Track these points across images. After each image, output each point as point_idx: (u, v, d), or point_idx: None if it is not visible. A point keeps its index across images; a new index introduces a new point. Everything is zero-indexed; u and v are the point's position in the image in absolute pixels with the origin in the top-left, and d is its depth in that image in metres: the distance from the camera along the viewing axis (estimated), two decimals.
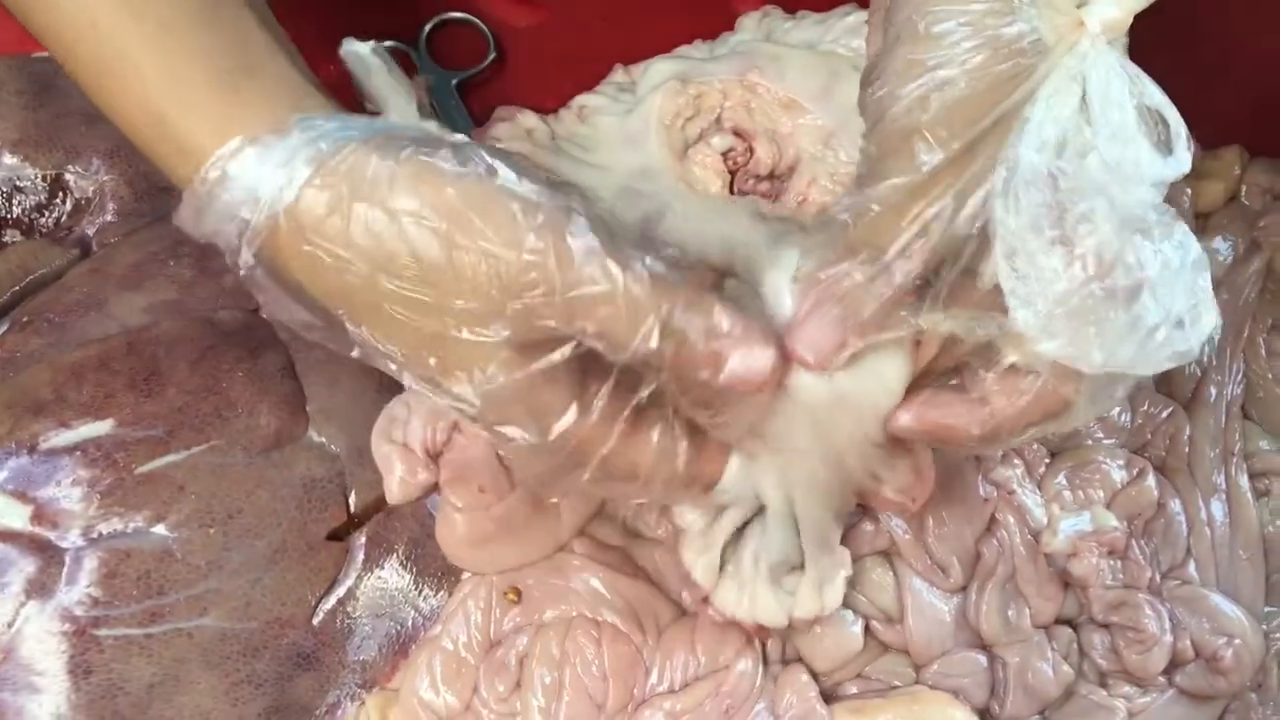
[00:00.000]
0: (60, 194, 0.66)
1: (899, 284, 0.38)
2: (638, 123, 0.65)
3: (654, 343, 0.38)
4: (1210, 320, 0.38)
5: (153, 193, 0.67)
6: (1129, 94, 0.37)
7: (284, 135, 0.38)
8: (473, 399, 0.40)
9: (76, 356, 0.59)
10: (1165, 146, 0.38)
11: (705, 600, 0.52)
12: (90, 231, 0.66)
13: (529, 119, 0.68)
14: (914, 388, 0.42)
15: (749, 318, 0.40)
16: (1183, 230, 0.38)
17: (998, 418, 0.41)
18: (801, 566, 0.50)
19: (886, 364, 0.41)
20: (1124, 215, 0.37)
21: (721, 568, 0.51)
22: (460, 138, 0.41)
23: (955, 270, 0.38)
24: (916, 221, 0.37)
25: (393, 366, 0.42)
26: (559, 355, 0.39)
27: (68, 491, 0.56)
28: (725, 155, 0.65)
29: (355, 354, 0.42)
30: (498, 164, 0.39)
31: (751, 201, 0.63)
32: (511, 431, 0.41)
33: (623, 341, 0.39)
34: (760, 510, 0.48)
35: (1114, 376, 0.39)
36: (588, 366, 0.40)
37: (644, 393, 0.40)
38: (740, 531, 0.50)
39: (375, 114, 0.43)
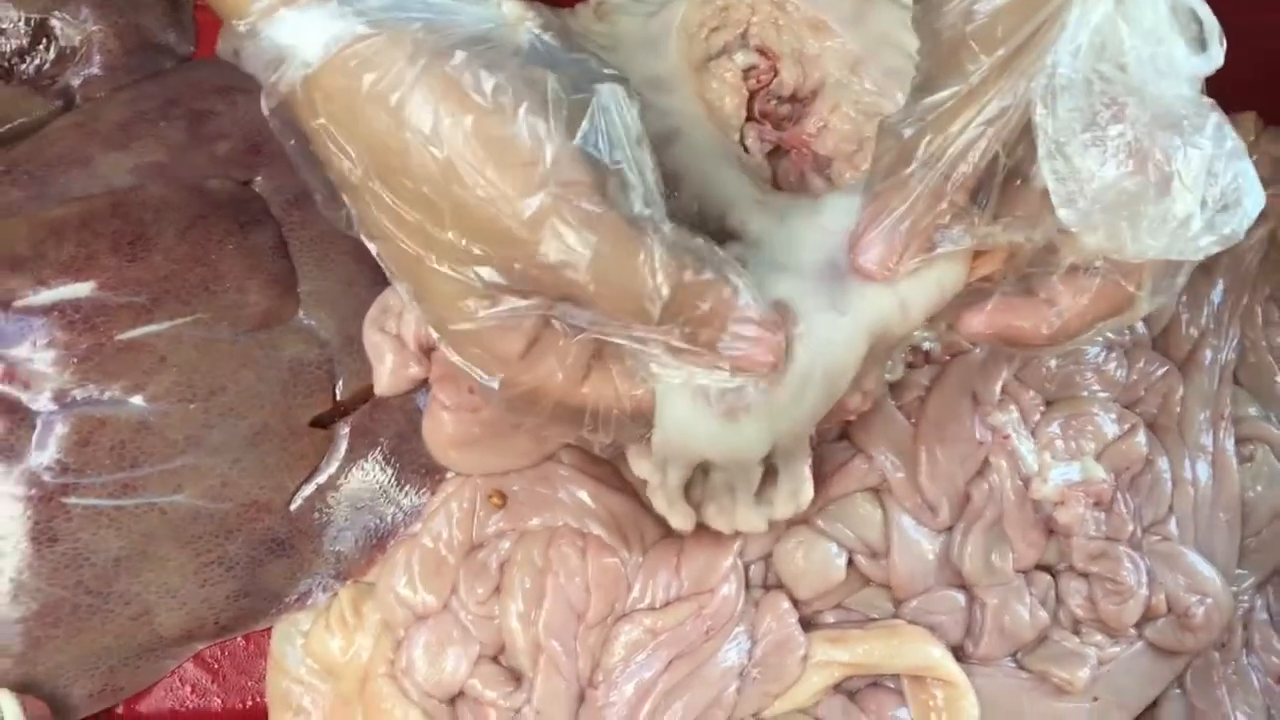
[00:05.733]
0: (44, 40, 0.62)
1: (954, 189, 0.39)
2: (658, 28, 0.62)
3: (656, 317, 0.38)
4: (1252, 203, 0.39)
5: (144, 48, 0.64)
6: None
7: (323, 2, 0.36)
8: (434, 323, 0.40)
9: (58, 213, 0.56)
10: (1198, 44, 0.39)
11: None
12: (74, 83, 0.63)
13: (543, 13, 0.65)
14: (983, 297, 0.43)
15: (759, 302, 0.40)
16: (1216, 121, 0.39)
17: (1065, 316, 0.42)
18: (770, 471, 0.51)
19: (938, 273, 0.42)
20: (1156, 112, 0.38)
21: (696, 499, 0.51)
22: (526, 38, 0.39)
23: (1002, 174, 0.39)
24: (969, 128, 0.38)
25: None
26: (526, 308, 0.38)
27: (42, 353, 0.54)
28: (746, 73, 0.63)
29: (349, 231, 0.41)
30: (545, 95, 0.37)
31: (761, 166, 0.62)
32: (466, 368, 0.40)
33: (623, 314, 0.38)
34: None
35: (1172, 265, 0.41)
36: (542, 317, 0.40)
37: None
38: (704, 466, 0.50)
39: None
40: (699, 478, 0.50)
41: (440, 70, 0.36)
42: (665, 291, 0.37)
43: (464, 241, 0.37)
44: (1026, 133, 0.38)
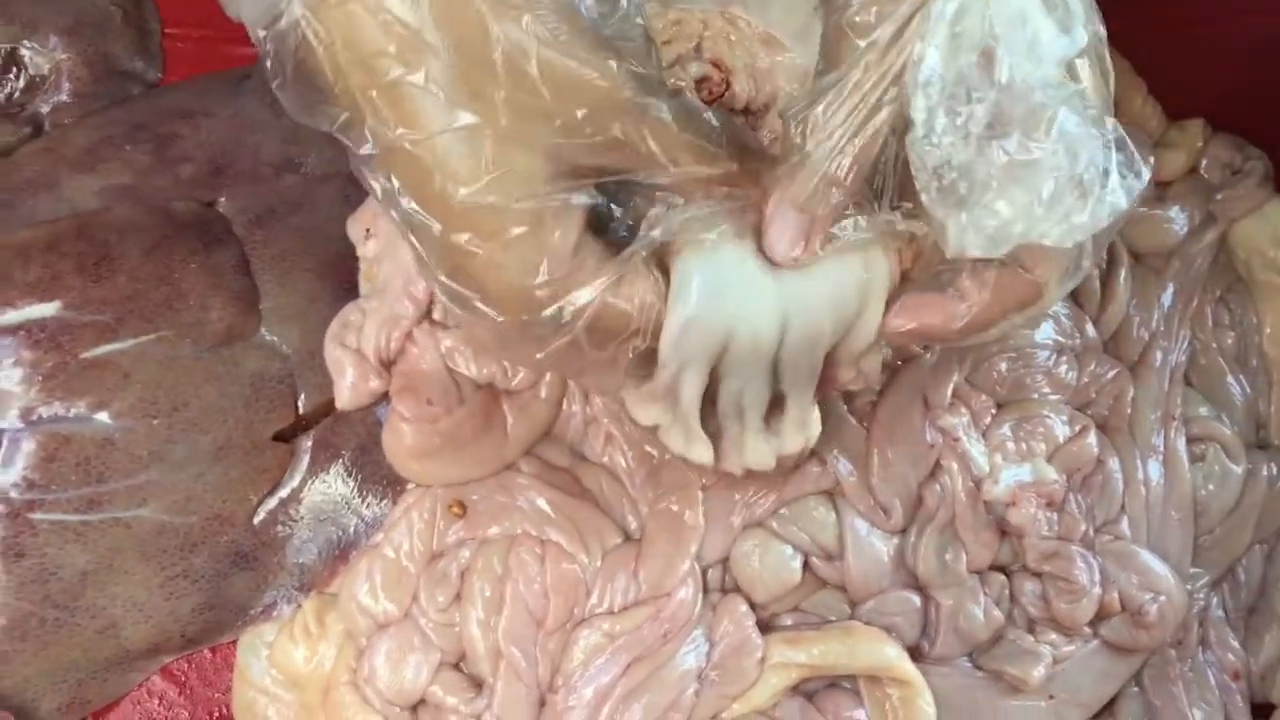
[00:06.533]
0: (14, 69, 0.64)
1: (846, 176, 0.39)
2: None
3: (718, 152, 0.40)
4: (1123, 190, 0.39)
5: (112, 75, 0.65)
6: None
7: None
8: (480, 222, 0.39)
9: (24, 236, 0.58)
10: (1065, 28, 0.39)
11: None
12: (44, 110, 0.64)
13: None
14: (895, 295, 0.44)
15: None
16: (1064, 112, 0.39)
17: (974, 309, 0.43)
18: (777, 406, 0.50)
19: (864, 260, 0.43)
20: (1006, 102, 0.38)
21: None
22: None
23: (897, 162, 0.40)
24: (855, 115, 0.39)
25: (390, 186, 0.40)
26: (586, 186, 0.40)
27: (9, 372, 0.55)
28: (699, 83, 0.64)
29: (365, 150, 0.40)
30: None
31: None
32: (511, 265, 0.40)
33: (686, 157, 0.40)
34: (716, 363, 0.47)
35: (1075, 254, 0.42)
36: (591, 213, 0.41)
37: (650, 238, 0.41)
38: (711, 398, 0.49)
39: None
40: (708, 411, 0.49)
41: None
42: (716, 120, 0.40)
43: (552, 103, 0.38)
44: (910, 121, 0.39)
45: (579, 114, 0.38)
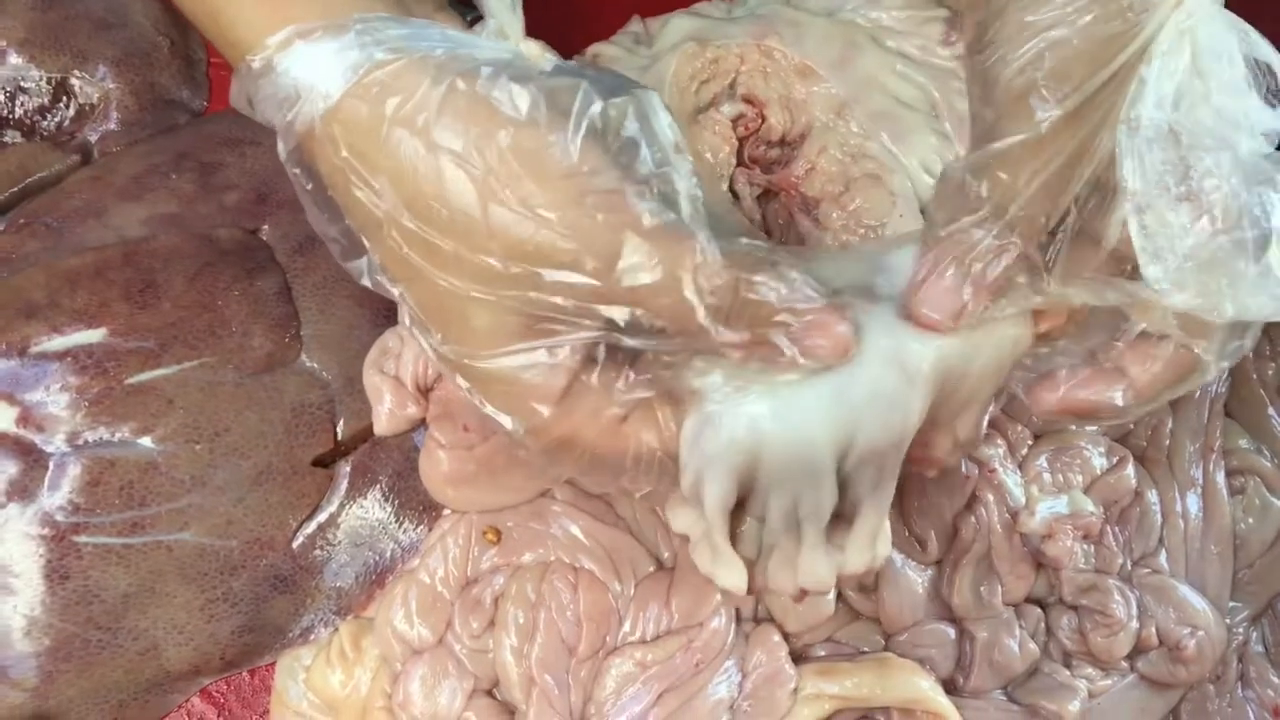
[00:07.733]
0: (64, 98, 0.65)
1: (1024, 242, 0.37)
2: (651, 82, 0.64)
3: (717, 319, 0.36)
4: None
5: (158, 104, 0.67)
6: (1237, 47, 0.37)
7: (339, 33, 0.35)
8: (465, 367, 0.39)
9: (73, 263, 0.59)
10: (1274, 98, 0.38)
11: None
12: (92, 138, 0.66)
13: None
14: (1047, 363, 0.42)
15: (819, 292, 0.37)
16: None
17: (1136, 386, 0.41)
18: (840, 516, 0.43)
19: (1006, 331, 0.40)
20: (1246, 168, 0.37)
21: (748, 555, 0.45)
22: (549, 63, 0.38)
23: (1072, 231, 0.38)
24: (1036, 178, 0.37)
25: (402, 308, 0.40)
26: (566, 345, 0.37)
27: (56, 397, 0.56)
28: (735, 121, 0.65)
29: (366, 283, 0.40)
30: (576, 105, 0.36)
31: (750, 210, 0.63)
32: (496, 414, 0.39)
33: (681, 324, 0.37)
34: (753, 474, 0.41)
35: (1239, 327, 0.40)
36: (583, 353, 0.38)
37: (642, 378, 0.39)
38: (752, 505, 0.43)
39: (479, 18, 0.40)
40: (754, 529, 0.44)
41: (467, 88, 0.35)
42: (722, 285, 0.36)
43: (508, 264, 0.35)
44: (1098, 189, 0.37)
45: (543, 276, 0.35)
